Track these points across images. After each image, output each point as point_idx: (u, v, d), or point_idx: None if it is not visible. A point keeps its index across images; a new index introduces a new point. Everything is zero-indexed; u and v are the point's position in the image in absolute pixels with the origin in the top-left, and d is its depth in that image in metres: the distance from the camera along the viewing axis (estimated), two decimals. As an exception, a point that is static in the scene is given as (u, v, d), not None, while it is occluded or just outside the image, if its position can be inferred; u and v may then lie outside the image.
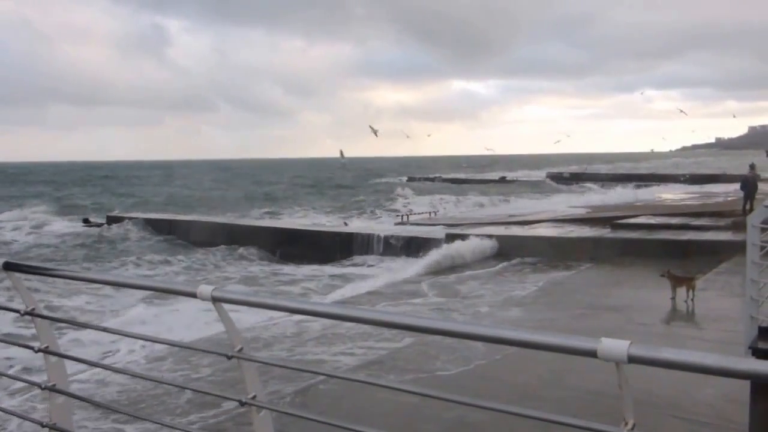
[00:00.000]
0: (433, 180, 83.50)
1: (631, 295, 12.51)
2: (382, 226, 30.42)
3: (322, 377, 6.57)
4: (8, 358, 8.93)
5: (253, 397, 3.09)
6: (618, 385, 2.13)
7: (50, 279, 15.01)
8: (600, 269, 16.05)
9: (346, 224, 31.65)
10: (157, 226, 29.10)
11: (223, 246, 23.87)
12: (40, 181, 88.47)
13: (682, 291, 11.08)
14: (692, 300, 11.00)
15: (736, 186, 26.39)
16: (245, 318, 10.11)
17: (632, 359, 1.97)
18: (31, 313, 3.72)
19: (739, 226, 18.35)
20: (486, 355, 7.64)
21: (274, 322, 10.47)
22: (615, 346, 2.00)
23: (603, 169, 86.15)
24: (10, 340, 4.65)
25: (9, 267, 3.73)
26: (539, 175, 79.57)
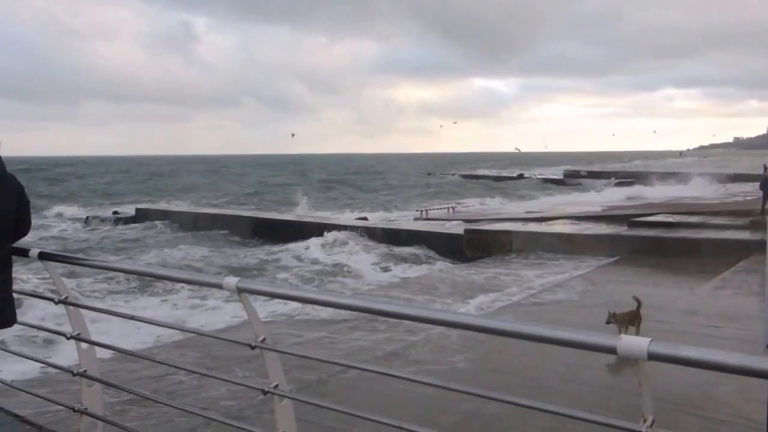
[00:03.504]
0: (453, 175, 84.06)
1: (647, 292, 12.45)
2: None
3: (341, 367, 6.65)
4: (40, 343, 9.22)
5: (276, 386, 3.19)
6: (637, 382, 2.18)
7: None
8: (616, 266, 16.01)
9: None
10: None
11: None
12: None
13: (631, 329, 8.22)
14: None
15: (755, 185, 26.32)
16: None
17: (652, 356, 2.02)
18: (65, 302, 3.85)
19: (758, 226, 18.22)
20: (500, 348, 7.68)
21: (297, 313, 10.63)
22: (635, 343, 2.06)
23: (623, 167, 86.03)
24: (43, 326, 4.78)
25: (44, 257, 3.86)
26: (557, 172, 79.44)
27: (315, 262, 20.15)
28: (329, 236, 22.90)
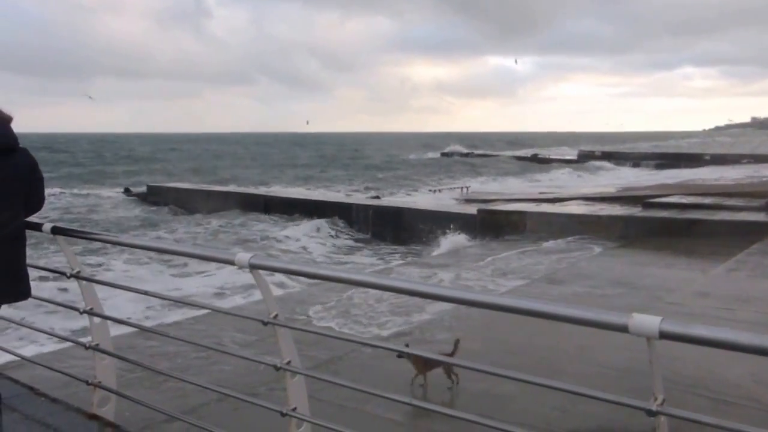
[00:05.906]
0: (467, 155, 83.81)
1: (661, 273, 12.42)
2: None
3: (354, 345, 6.68)
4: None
5: (288, 363, 3.21)
6: (648, 361, 2.17)
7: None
8: (630, 248, 15.93)
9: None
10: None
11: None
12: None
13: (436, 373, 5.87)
14: (456, 385, 5.87)
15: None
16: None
17: (663, 335, 2.01)
18: (77, 276, 3.88)
19: (773, 208, 18.06)
20: (512, 328, 7.68)
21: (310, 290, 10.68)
22: (646, 321, 2.05)
23: (641, 147, 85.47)
24: (55, 301, 4.82)
25: (57, 231, 3.89)
26: (571, 153, 78.87)
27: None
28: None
